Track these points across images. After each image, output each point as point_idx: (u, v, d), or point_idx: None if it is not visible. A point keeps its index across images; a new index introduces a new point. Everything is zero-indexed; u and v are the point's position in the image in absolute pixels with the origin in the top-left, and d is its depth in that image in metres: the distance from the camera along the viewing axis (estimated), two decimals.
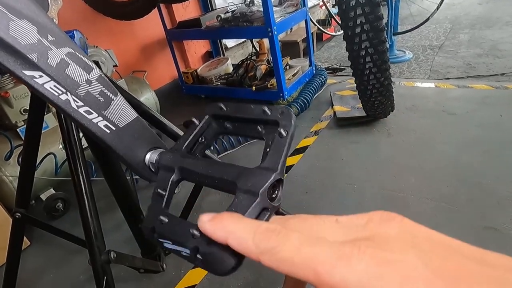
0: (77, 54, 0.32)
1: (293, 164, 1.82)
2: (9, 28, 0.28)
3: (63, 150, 1.72)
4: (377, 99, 1.64)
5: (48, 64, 0.30)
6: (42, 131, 1.73)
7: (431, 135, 1.83)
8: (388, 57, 1.47)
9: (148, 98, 2.13)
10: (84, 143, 0.83)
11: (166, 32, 2.57)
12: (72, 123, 0.79)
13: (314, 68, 2.65)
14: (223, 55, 3.08)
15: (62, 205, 1.75)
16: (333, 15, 3.81)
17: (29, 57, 0.29)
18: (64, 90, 0.31)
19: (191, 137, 0.35)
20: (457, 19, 4.03)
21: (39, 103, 0.87)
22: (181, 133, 1.00)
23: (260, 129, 0.32)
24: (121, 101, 0.36)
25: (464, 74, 2.62)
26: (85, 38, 1.89)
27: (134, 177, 1.63)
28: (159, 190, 0.33)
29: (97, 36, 2.19)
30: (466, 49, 3.09)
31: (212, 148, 1.74)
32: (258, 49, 2.77)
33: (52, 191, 1.76)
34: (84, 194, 0.77)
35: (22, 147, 1.51)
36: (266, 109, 0.30)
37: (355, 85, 1.71)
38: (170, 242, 0.29)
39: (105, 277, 0.75)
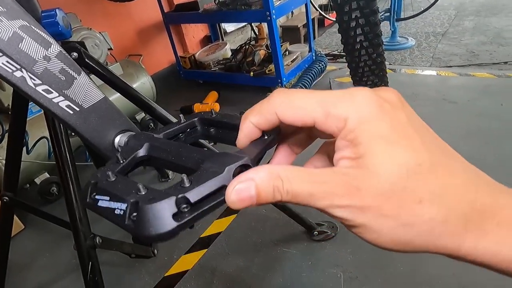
0: (33, 27, 0.30)
1: None
2: None
3: None
4: (369, 79, 1.56)
5: None
6: (35, 115, 1.71)
7: (431, 124, 1.74)
8: (381, 30, 1.39)
9: (144, 82, 2.10)
10: None
11: (163, 15, 2.51)
12: None
13: (313, 54, 2.60)
14: (222, 39, 3.03)
15: (56, 189, 1.74)
16: None
17: None
18: (18, 67, 0.29)
19: (172, 129, 0.33)
20: (462, 5, 3.94)
21: None
22: (173, 119, 0.98)
23: None
24: (85, 80, 0.34)
25: (467, 62, 2.57)
26: (79, 19, 1.85)
27: None
28: (119, 156, 0.29)
29: (91, 18, 2.14)
30: (470, 37, 3.03)
31: None
32: (257, 34, 2.71)
33: (46, 175, 1.75)
34: (69, 177, 0.76)
35: None
36: None
37: (350, 76, 1.65)
38: (107, 199, 0.26)
39: (90, 262, 0.74)
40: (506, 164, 1.45)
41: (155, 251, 1.15)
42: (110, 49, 1.95)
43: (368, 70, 1.52)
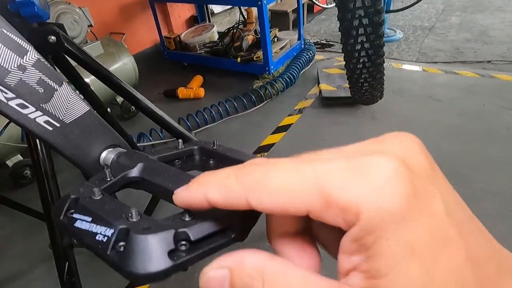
0: (5, 31, 0.25)
1: (274, 143, 1.78)
2: None
3: None
4: (366, 81, 1.55)
5: None
6: None
7: (415, 121, 1.82)
8: (384, 32, 1.37)
9: (126, 63, 2.01)
10: None
11: None
12: None
13: (302, 42, 2.56)
14: (209, 21, 2.92)
15: (30, 172, 1.66)
16: None
17: None
18: None
19: (168, 154, 0.29)
20: (450, 0, 3.96)
21: None
22: (154, 108, 0.93)
23: None
24: (67, 91, 0.29)
25: (452, 59, 2.60)
26: None
27: None
28: (107, 172, 0.26)
29: None
30: (456, 33, 3.05)
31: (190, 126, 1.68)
32: (246, 17, 2.63)
33: (19, 157, 1.67)
34: (43, 173, 0.70)
35: None
36: (263, 157, 0.26)
37: (344, 62, 1.61)
38: (89, 220, 0.22)
39: (67, 263, 0.71)
40: (485, 165, 1.48)
41: None
42: (90, 26, 1.84)
43: (366, 71, 1.49)
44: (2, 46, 0.25)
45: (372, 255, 0.14)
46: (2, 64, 0.25)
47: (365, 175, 0.14)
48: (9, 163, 1.63)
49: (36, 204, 1.19)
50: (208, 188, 0.17)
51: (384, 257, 0.14)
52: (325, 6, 3.81)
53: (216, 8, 3.08)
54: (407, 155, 0.15)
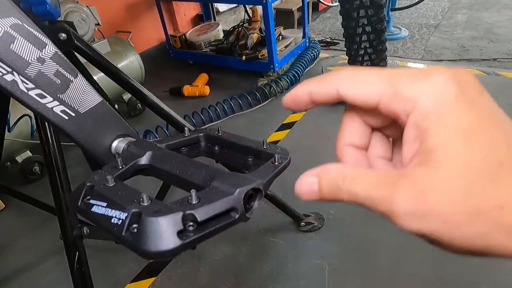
0: (26, 26, 0.27)
1: (279, 140, 1.80)
2: None
3: None
4: None
5: None
6: None
7: None
8: (386, 38, 1.41)
9: (132, 61, 2.03)
10: None
11: None
12: None
13: (307, 40, 2.57)
14: (214, 19, 2.94)
15: (39, 168, 1.70)
16: None
17: None
18: (9, 69, 0.26)
19: (175, 141, 0.31)
20: None
21: None
22: (161, 104, 0.95)
23: (249, 161, 0.30)
24: (82, 83, 0.31)
25: (457, 57, 2.59)
26: None
27: None
28: (118, 161, 0.28)
29: None
30: (462, 31, 3.04)
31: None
32: (251, 16, 2.64)
33: (28, 153, 1.70)
34: (55, 165, 0.73)
35: None
36: (265, 142, 0.30)
37: (348, 64, 1.65)
38: (104, 205, 0.24)
39: (77, 253, 0.73)
40: None
41: None
42: (97, 24, 1.86)
43: None
44: (23, 39, 0.27)
45: (426, 137, 0.18)
46: (23, 56, 0.27)
47: (426, 78, 0.19)
48: (19, 159, 1.66)
49: (45, 199, 1.23)
50: (311, 83, 0.22)
51: (435, 137, 0.18)
52: (330, 4, 3.81)
53: (221, 7, 3.10)
54: (463, 74, 0.19)
